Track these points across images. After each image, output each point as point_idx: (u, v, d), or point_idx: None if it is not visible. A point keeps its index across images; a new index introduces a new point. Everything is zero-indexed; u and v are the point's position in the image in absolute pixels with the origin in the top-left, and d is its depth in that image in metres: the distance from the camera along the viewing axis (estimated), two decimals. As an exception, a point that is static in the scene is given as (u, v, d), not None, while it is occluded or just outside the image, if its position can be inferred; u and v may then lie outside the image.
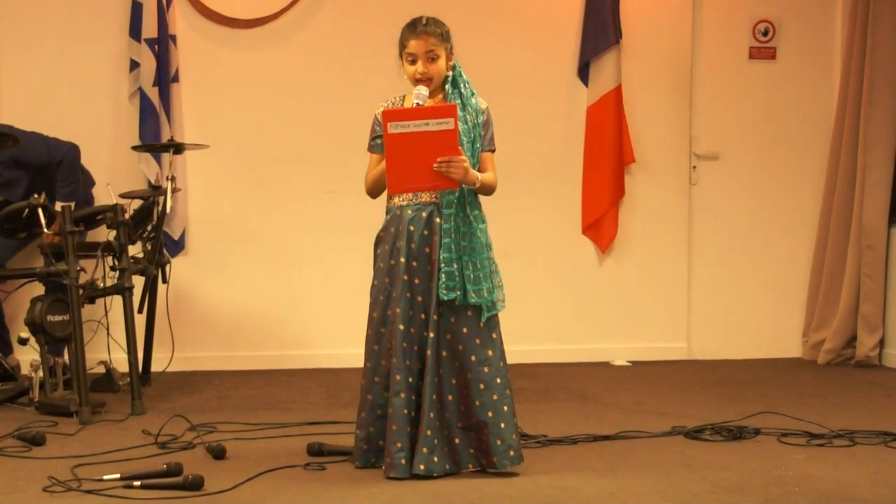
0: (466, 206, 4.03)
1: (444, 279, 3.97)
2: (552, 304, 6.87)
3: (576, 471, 4.11)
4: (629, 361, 6.85)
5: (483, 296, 4.00)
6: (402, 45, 4.07)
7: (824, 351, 6.85)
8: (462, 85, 4.11)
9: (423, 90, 4.00)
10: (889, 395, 5.88)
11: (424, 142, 3.84)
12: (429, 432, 3.97)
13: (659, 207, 6.98)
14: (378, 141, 4.08)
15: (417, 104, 3.96)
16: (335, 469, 4.11)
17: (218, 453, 4.25)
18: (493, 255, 4.09)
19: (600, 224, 6.88)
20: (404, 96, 4.17)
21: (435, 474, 3.96)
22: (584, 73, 6.83)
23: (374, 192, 4.16)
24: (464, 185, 3.99)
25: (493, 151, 4.15)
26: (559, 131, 6.88)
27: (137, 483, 3.79)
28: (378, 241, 4.15)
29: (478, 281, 4.00)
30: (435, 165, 3.88)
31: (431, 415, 3.98)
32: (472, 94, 4.12)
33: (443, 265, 3.98)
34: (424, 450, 3.96)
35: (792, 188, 7.12)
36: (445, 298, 3.98)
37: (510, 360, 4.11)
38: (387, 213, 4.15)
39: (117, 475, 3.85)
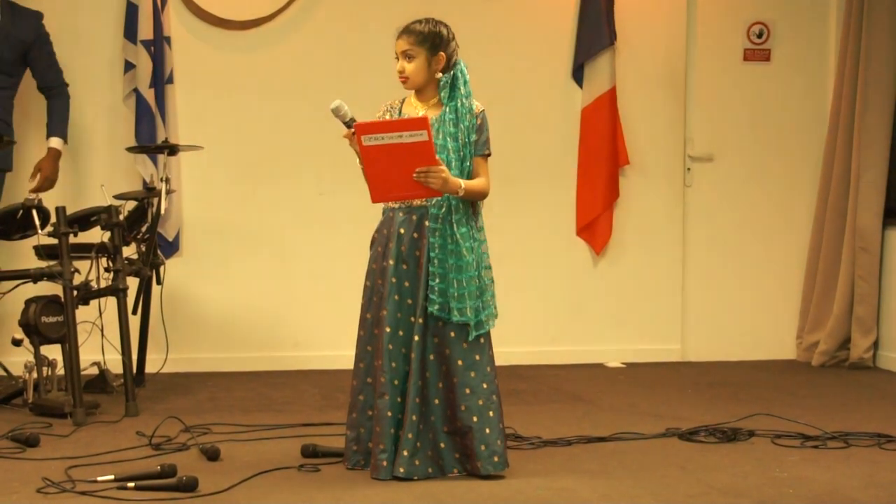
0: (453, 224, 4.02)
1: (431, 296, 3.98)
2: (546, 306, 6.86)
3: (570, 472, 4.11)
4: (623, 363, 6.84)
5: (466, 314, 3.99)
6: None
7: (818, 353, 6.85)
8: (461, 87, 4.10)
9: (337, 104, 4.04)
10: (883, 396, 5.89)
11: (400, 153, 3.87)
12: (410, 435, 3.97)
13: (653, 209, 6.97)
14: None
15: (339, 108, 4.00)
16: (329, 470, 4.11)
17: (212, 455, 4.25)
18: (485, 275, 4.07)
19: (595, 226, 6.87)
20: (403, 100, 4.20)
21: (415, 477, 3.96)
22: (578, 74, 6.83)
23: None
24: (450, 198, 3.99)
25: (487, 156, 4.14)
26: (554, 133, 6.87)
27: (131, 484, 3.80)
28: (372, 243, 4.17)
29: (462, 299, 3.99)
30: (414, 175, 3.90)
31: (414, 418, 3.98)
32: (468, 94, 4.12)
33: (429, 280, 3.99)
34: (405, 453, 3.96)
35: (786, 190, 7.11)
36: (432, 312, 3.99)
37: (504, 361, 4.11)
38: (382, 214, 4.17)
39: (111, 476, 3.86)
